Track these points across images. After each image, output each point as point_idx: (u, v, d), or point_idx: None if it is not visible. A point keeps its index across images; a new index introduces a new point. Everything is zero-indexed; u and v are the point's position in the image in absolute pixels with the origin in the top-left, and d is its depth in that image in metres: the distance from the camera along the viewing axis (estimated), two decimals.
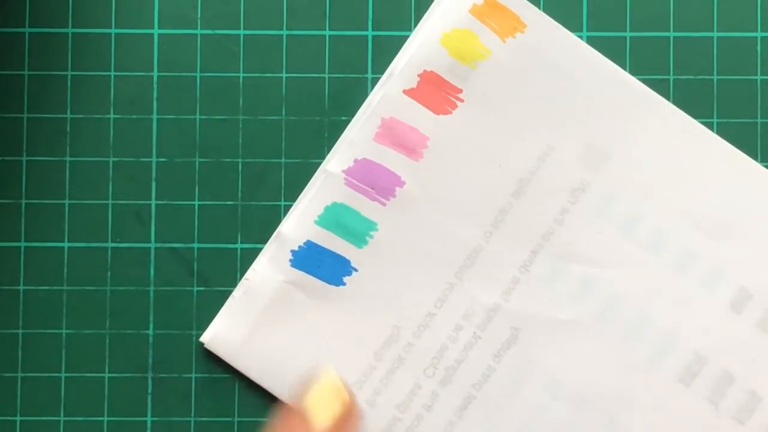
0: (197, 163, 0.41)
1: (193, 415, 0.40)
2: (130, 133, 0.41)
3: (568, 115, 0.40)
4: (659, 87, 0.41)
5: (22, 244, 0.40)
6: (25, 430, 0.40)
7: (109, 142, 0.41)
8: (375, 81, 0.41)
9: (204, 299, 0.40)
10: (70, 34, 0.41)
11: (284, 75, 0.41)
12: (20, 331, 0.40)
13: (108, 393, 0.40)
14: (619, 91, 0.40)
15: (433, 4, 0.41)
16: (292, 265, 0.40)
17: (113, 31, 0.41)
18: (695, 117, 0.41)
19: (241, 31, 0.41)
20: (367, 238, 0.40)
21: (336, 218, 0.40)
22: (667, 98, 0.41)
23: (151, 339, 0.40)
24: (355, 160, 0.40)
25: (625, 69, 0.41)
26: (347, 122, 0.41)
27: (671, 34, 0.41)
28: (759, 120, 0.41)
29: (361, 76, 0.41)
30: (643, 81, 0.41)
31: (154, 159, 0.41)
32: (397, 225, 0.40)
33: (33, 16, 0.41)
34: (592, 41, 0.41)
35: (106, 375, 0.40)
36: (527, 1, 0.41)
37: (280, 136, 0.41)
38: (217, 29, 0.41)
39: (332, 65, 0.41)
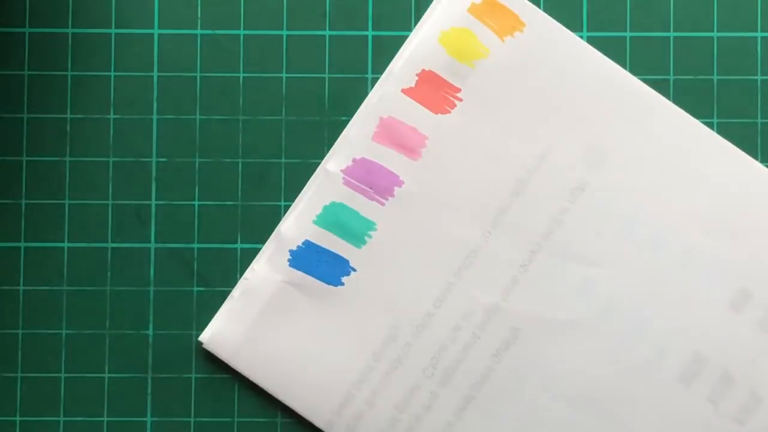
0: (197, 163, 0.41)
1: (193, 415, 0.40)
2: (130, 133, 0.41)
3: (568, 114, 0.40)
4: (659, 87, 0.41)
5: (22, 244, 0.40)
6: (25, 430, 0.40)
7: (109, 142, 0.41)
8: (375, 81, 0.41)
9: (204, 299, 0.40)
10: (70, 34, 0.41)
11: (284, 75, 0.41)
12: (20, 331, 0.40)
13: (108, 393, 0.40)
14: (619, 90, 0.40)
15: (432, 3, 0.41)
16: (290, 265, 0.40)
17: (113, 31, 0.41)
18: (695, 117, 0.41)
19: (241, 31, 0.41)
20: (366, 238, 0.40)
21: (334, 218, 0.40)
22: (667, 98, 0.41)
23: (150, 339, 0.40)
24: (354, 160, 0.40)
25: (625, 69, 0.41)
26: (347, 122, 0.41)
27: (671, 34, 0.41)
28: (759, 120, 0.41)
29: (361, 76, 0.41)
30: (643, 81, 0.41)
31: (154, 159, 0.41)
32: (395, 225, 0.40)
33: (33, 16, 0.41)
34: (592, 41, 0.41)
35: (106, 375, 0.40)
36: (526, 1, 0.41)
37: (280, 136, 0.41)
38: (217, 29, 0.41)
39: (332, 65, 0.41)
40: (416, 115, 0.40)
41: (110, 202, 0.41)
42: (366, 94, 0.41)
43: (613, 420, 0.39)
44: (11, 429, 0.40)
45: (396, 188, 0.40)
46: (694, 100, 0.41)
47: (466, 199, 0.40)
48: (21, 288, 0.40)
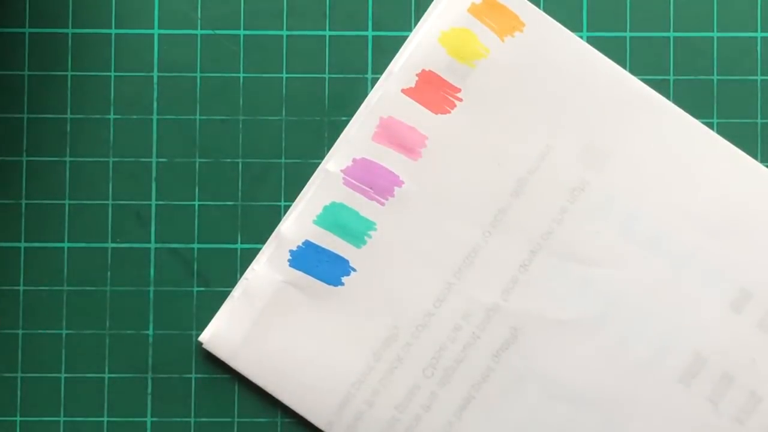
0: (197, 163, 0.41)
1: (193, 415, 0.40)
2: (130, 133, 0.41)
3: (568, 114, 0.40)
4: (659, 87, 0.41)
5: (22, 244, 0.40)
6: (25, 430, 0.40)
7: (109, 142, 0.41)
8: (375, 81, 0.41)
9: (204, 299, 0.40)
10: (70, 34, 0.41)
11: (284, 75, 0.41)
12: (20, 331, 0.40)
13: (108, 393, 0.40)
14: (619, 90, 0.40)
15: (432, 3, 0.41)
16: (290, 266, 0.40)
17: (113, 31, 0.41)
18: (695, 117, 0.41)
19: (241, 31, 0.41)
20: (366, 238, 0.40)
21: (334, 218, 0.40)
22: (667, 98, 0.41)
23: (151, 339, 0.40)
24: (354, 160, 0.40)
25: (625, 69, 0.41)
26: (347, 122, 0.41)
27: (671, 34, 0.41)
28: (759, 120, 0.41)
29: (361, 76, 0.41)
30: (643, 81, 0.41)
31: (154, 159, 0.41)
32: (395, 225, 0.40)
33: (33, 16, 0.41)
34: (592, 41, 0.41)
35: (106, 375, 0.40)
36: (526, 1, 0.41)
37: (280, 136, 0.41)
38: (217, 29, 0.41)
39: (332, 65, 0.41)
40: (416, 115, 0.40)
41: (110, 202, 0.41)
42: (366, 94, 0.41)
43: (613, 420, 0.39)
44: (11, 429, 0.40)
45: (396, 188, 0.40)
46: (694, 100, 0.41)
47: (466, 199, 0.40)
48: (21, 288, 0.40)
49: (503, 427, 0.40)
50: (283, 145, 0.41)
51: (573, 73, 0.40)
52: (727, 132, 0.41)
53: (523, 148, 0.40)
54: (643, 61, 0.41)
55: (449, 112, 0.40)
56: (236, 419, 0.40)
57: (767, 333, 0.39)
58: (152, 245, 0.41)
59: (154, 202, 0.41)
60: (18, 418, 0.40)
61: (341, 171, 0.40)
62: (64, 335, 0.40)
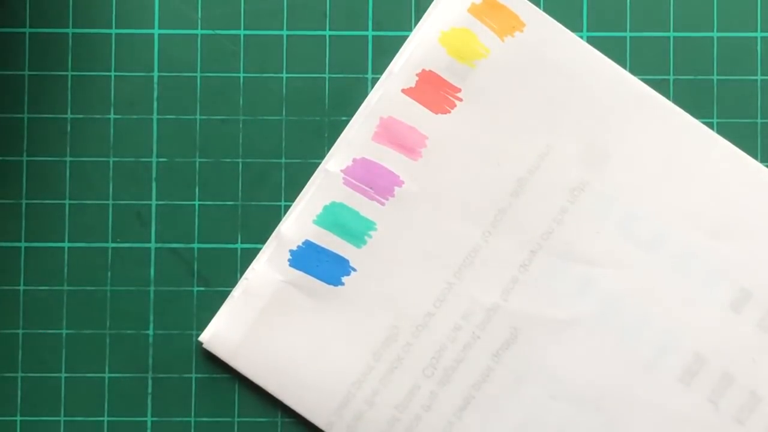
0: (197, 163, 0.41)
1: (193, 415, 0.40)
2: (130, 133, 0.41)
3: (568, 114, 0.40)
4: (659, 87, 0.41)
5: (22, 244, 0.40)
6: (25, 430, 0.40)
7: (109, 142, 0.41)
8: (375, 81, 0.41)
9: (204, 299, 0.40)
10: (70, 34, 0.41)
11: (284, 75, 0.41)
12: (20, 331, 0.40)
13: (108, 393, 0.40)
14: (619, 90, 0.40)
15: (432, 3, 0.41)
16: (290, 265, 0.40)
17: (113, 31, 0.41)
18: (695, 117, 0.41)
19: (241, 31, 0.41)
20: (366, 238, 0.40)
21: (335, 218, 0.40)
22: (667, 98, 0.41)
23: (151, 339, 0.40)
24: (354, 160, 0.40)
25: (625, 69, 0.41)
26: (347, 122, 0.41)
27: (671, 34, 0.41)
28: (759, 120, 0.41)
29: (361, 76, 0.41)
30: (643, 81, 0.41)
31: (154, 159, 0.41)
32: (395, 225, 0.40)
33: (33, 16, 0.41)
34: (592, 41, 0.41)
35: (106, 375, 0.40)
36: (526, 0, 0.41)
37: (280, 136, 0.41)
38: (217, 29, 0.41)
39: (332, 65, 0.41)
40: (416, 115, 0.40)
41: (110, 202, 0.41)
42: (366, 94, 0.41)
43: (613, 420, 0.39)
44: (11, 429, 0.40)
45: (396, 188, 0.40)
46: (694, 100, 0.41)
47: (466, 199, 0.40)
48: (21, 288, 0.40)
49: (503, 427, 0.40)
50: (283, 145, 0.41)
51: (573, 73, 0.40)
52: (727, 132, 0.41)
53: (523, 148, 0.40)
54: (643, 61, 0.41)
55: (449, 112, 0.40)
56: (236, 419, 0.40)
57: (767, 333, 0.39)
58: (152, 245, 0.41)
59: (154, 202, 0.41)
60: (18, 418, 0.40)
61: (341, 171, 0.40)
62: (64, 335, 0.40)
